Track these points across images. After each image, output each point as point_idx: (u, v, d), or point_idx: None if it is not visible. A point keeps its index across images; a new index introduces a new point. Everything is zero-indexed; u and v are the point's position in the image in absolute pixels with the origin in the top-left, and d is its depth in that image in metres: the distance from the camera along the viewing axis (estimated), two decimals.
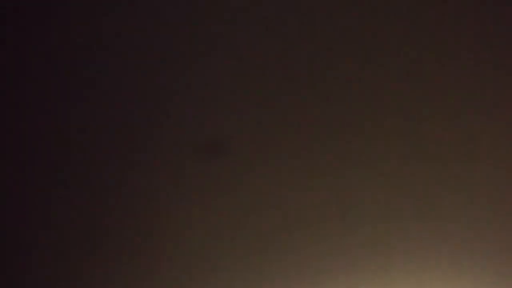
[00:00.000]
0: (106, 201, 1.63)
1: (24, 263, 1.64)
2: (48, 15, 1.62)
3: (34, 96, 1.62)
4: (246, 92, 1.62)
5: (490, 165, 1.62)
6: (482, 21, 1.62)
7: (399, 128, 1.62)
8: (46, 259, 1.64)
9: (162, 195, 1.63)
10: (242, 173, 1.63)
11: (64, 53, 1.62)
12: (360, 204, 1.63)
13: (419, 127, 1.62)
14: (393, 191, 1.62)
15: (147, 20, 1.62)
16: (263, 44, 1.62)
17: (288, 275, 1.63)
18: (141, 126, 1.63)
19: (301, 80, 1.62)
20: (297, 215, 1.63)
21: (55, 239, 1.63)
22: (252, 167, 1.63)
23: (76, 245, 1.64)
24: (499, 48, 1.62)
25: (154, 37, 1.62)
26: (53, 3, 1.61)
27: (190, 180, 1.63)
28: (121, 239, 1.64)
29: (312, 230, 1.63)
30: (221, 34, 1.62)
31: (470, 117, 1.62)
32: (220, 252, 1.64)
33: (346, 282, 1.63)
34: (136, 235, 1.64)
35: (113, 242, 1.64)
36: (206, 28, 1.62)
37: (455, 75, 1.62)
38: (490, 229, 1.62)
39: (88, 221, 1.63)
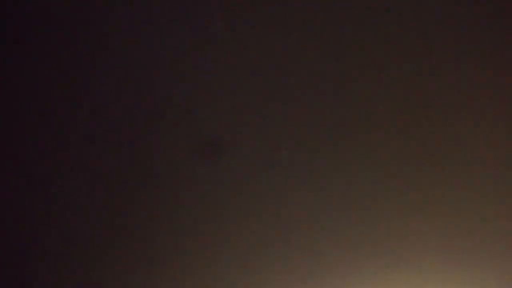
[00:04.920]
0: (106, 202, 1.64)
1: (25, 264, 1.64)
2: (48, 14, 1.62)
3: (33, 95, 1.62)
4: (248, 93, 1.62)
5: (492, 165, 1.62)
6: (482, 21, 1.62)
7: (399, 128, 1.62)
8: (46, 260, 1.64)
9: (163, 196, 1.63)
10: (243, 174, 1.63)
11: (64, 53, 1.62)
12: (360, 205, 1.63)
13: (420, 127, 1.62)
14: (395, 191, 1.62)
15: (147, 19, 1.62)
16: (265, 44, 1.62)
17: (288, 275, 1.63)
18: (141, 127, 1.63)
19: (304, 81, 1.62)
20: (298, 216, 1.63)
21: (55, 240, 1.63)
22: (253, 168, 1.63)
23: (75, 246, 1.64)
24: (499, 48, 1.62)
25: (155, 36, 1.62)
26: (53, 2, 1.61)
27: (192, 181, 1.63)
28: (122, 239, 1.64)
29: (313, 230, 1.63)
30: (224, 33, 1.62)
31: (471, 117, 1.62)
32: (221, 252, 1.64)
33: (348, 282, 1.63)
34: (137, 236, 1.64)
35: (113, 243, 1.64)
36: (208, 28, 1.62)
37: (457, 76, 1.62)
38: (492, 229, 1.62)
39: (87, 222, 1.63)
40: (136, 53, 1.62)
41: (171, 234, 1.64)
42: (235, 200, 1.63)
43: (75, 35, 1.62)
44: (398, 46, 1.62)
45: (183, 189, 1.63)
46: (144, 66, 1.62)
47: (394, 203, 1.62)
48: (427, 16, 1.62)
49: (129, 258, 1.64)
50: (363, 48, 1.61)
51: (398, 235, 1.62)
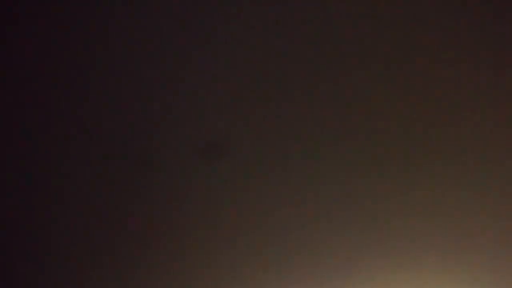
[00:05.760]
0: (106, 202, 1.63)
1: (24, 264, 1.64)
2: (49, 14, 1.62)
3: (35, 95, 1.62)
4: (248, 93, 1.62)
5: (492, 166, 1.62)
6: (482, 21, 1.62)
7: (400, 129, 1.62)
8: (47, 261, 1.64)
9: (163, 196, 1.63)
10: (243, 174, 1.63)
11: (67, 53, 1.62)
12: (360, 206, 1.63)
13: (420, 128, 1.62)
14: (395, 191, 1.62)
15: (147, 19, 1.62)
16: (266, 44, 1.62)
17: (288, 276, 1.63)
18: (142, 127, 1.63)
19: (304, 81, 1.61)
20: (299, 216, 1.63)
21: (55, 240, 1.63)
22: (254, 168, 1.63)
23: (75, 246, 1.64)
24: (499, 48, 1.62)
25: (157, 37, 1.62)
26: (54, 2, 1.61)
27: (193, 181, 1.63)
28: (122, 239, 1.64)
29: (313, 230, 1.63)
30: (224, 34, 1.62)
31: (471, 117, 1.62)
32: (221, 252, 1.64)
33: (348, 283, 1.63)
34: (137, 236, 1.64)
35: (113, 243, 1.64)
36: (209, 28, 1.62)
37: (457, 76, 1.62)
38: (492, 230, 1.62)
39: (88, 221, 1.63)
40: (137, 54, 1.62)
41: (171, 234, 1.64)
42: (236, 200, 1.63)
43: (78, 35, 1.62)
44: (398, 46, 1.62)
45: (183, 189, 1.63)
46: (146, 67, 1.62)
47: (394, 204, 1.62)
48: (428, 15, 1.62)
49: (129, 258, 1.64)
50: (365, 48, 1.61)
51: (399, 235, 1.62)
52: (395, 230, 1.62)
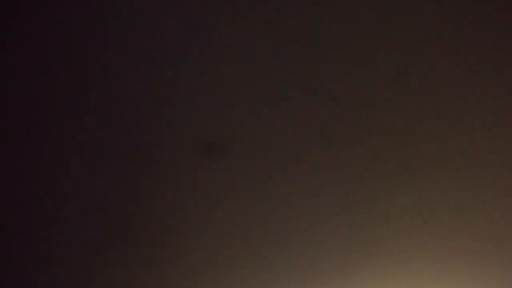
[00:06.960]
0: (106, 203, 1.63)
1: (24, 265, 1.64)
2: (49, 14, 1.61)
3: (34, 96, 1.62)
4: (249, 93, 1.62)
5: (492, 166, 1.62)
6: (482, 21, 1.62)
7: (399, 128, 1.62)
8: (47, 261, 1.64)
9: (164, 196, 1.64)
10: (244, 174, 1.63)
11: (67, 53, 1.62)
12: (360, 206, 1.63)
13: (418, 127, 1.62)
14: (394, 192, 1.62)
15: (148, 19, 1.62)
16: (267, 45, 1.62)
17: (289, 276, 1.64)
18: (142, 128, 1.62)
19: (305, 80, 1.61)
20: (299, 217, 1.63)
21: (55, 240, 1.63)
22: (254, 168, 1.63)
23: (76, 246, 1.64)
24: (499, 48, 1.62)
25: (156, 36, 1.62)
26: (54, 2, 1.61)
27: (193, 181, 1.63)
28: (122, 240, 1.64)
29: (313, 231, 1.63)
30: (224, 34, 1.62)
31: (471, 118, 1.62)
32: (222, 253, 1.64)
33: (348, 283, 1.63)
34: (138, 237, 1.64)
35: (113, 243, 1.64)
36: (209, 28, 1.62)
37: (456, 77, 1.62)
38: (492, 230, 1.62)
39: (88, 222, 1.63)
40: (137, 54, 1.62)
41: (172, 234, 1.64)
42: (236, 201, 1.63)
43: (76, 35, 1.61)
44: (398, 46, 1.62)
45: (184, 190, 1.63)
46: (145, 66, 1.62)
47: (394, 205, 1.62)
48: (427, 15, 1.62)
49: (129, 258, 1.64)
50: (365, 49, 1.61)
51: (398, 236, 1.63)
52: (395, 231, 1.63)
